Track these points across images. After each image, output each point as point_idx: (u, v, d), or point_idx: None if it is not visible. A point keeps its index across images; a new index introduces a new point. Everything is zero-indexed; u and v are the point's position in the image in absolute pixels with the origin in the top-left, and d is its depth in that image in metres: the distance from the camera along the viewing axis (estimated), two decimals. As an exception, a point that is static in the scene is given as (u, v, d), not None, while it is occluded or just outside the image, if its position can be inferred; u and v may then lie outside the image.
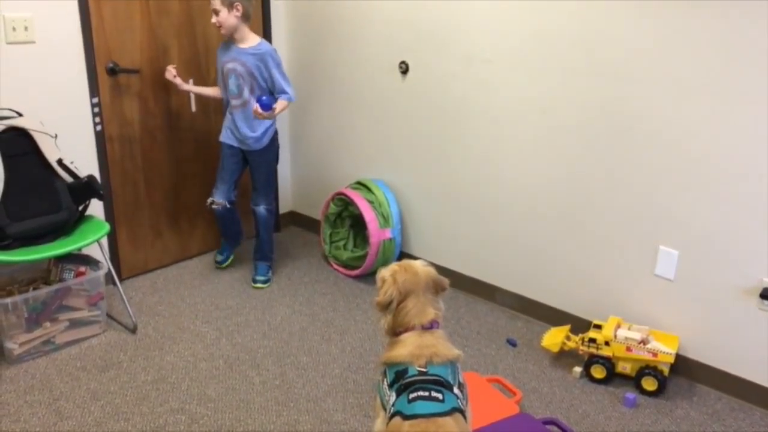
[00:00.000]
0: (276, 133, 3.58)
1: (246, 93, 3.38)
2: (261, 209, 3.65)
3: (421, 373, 1.83)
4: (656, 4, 2.63)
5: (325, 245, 3.96)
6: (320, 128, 4.14)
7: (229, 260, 3.92)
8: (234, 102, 3.42)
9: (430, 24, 3.38)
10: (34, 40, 3.06)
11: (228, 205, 3.63)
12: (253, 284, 3.69)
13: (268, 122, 3.48)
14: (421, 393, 1.79)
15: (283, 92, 3.40)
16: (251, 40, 3.37)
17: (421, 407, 1.76)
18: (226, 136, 3.55)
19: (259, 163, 3.59)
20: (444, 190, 3.58)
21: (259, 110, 3.26)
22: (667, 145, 2.73)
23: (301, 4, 4.00)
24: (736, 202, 2.61)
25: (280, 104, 3.37)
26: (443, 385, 1.82)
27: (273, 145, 3.58)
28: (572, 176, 3.06)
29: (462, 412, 1.82)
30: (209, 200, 3.65)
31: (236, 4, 3.23)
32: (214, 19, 3.27)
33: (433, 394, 1.79)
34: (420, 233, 3.78)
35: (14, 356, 2.91)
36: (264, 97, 3.28)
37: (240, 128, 3.45)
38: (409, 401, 1.78)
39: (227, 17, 3.24)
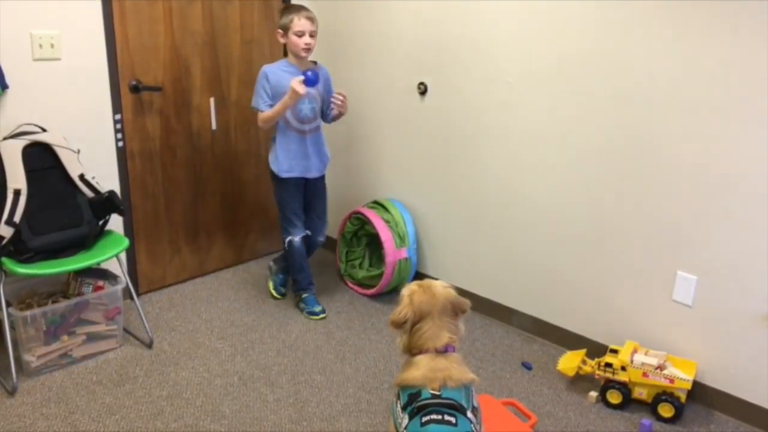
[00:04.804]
0: None
1: (318, 115, 3.42)
2: (321, 240, 3.64)
3: (434, 397, 1.83)
4: (679, 30, 2.63)
5: (340, 264, 3.97)
6: (338, 147, 4.16)
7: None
8: (305, 127, 3.36)
9: (450, 45, 3.40)
10: (59, 57, 3.12)
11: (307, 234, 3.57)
12: (312, 317, 3.51)
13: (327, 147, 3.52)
14: (434, 416, 1.78)
15: None
16: (309, 64, 3.40)
17: (433, 431, 1.76)
18: (291, 170, 3.38)
19: (321, 191, 3.58)
20: (461, 210, 3.59)
21: (301, 83, 3.10)
22: (687, 170, 2.72)
23: (321, 23, 4.04)
24: (755, 228, 2.59)
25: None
26: (457, 408, 1.81)
27: None
28: (591, 200, 3.05)
29: (475, 436, 1.81)
30: (289, 239, 3.48)
31: (315, 33, 3.29)
32: (308, 40, 3.22)
33: (446, 417, 1.78)
34: (436, 253, 3.78)
35: (32, 369, 2.94)
36: (309, 72, 3.17)
37: (312, 155, 3.41)
38: (422, 424, 1.78)
39: (314, 42, 3.28)
